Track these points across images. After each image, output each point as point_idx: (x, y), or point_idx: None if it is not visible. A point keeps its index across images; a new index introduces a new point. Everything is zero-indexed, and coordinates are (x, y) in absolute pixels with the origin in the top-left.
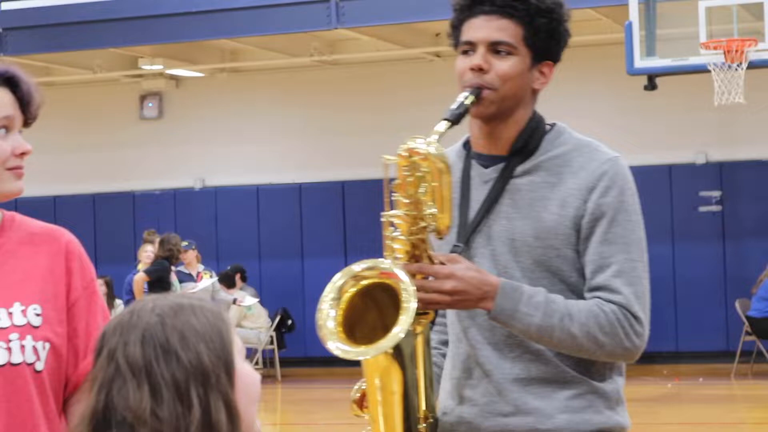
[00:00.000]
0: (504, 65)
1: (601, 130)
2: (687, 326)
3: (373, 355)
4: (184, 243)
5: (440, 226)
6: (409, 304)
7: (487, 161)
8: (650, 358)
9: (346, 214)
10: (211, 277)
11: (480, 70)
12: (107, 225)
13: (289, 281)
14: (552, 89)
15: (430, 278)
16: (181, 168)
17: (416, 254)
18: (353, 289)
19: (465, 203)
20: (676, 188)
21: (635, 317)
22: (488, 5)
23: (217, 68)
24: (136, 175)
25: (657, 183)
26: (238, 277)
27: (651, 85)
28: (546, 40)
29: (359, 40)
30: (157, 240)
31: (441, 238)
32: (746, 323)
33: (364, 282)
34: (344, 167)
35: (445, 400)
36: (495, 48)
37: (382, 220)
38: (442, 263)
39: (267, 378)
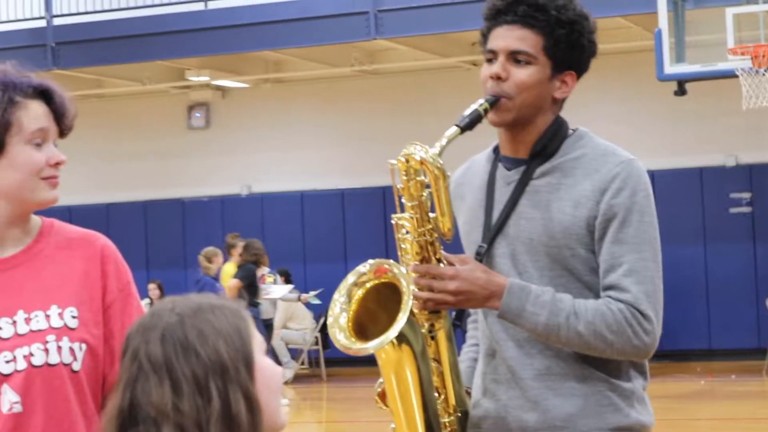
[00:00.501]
0: (522, 74)
1: (633, 136)
2: (719, 324)
3: (374, 349)
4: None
5: (443, 229)
6: (408, 303)
7: (511, 164)
8: (684, 355)
9: (387, 219)
10: (274, 281)
11: (498, 78)
12: (158, 231)
13: (333, 284)
14: (584, 96)
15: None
16: (227, 175)
17: (426, 255)
18: (360, 292)
19: (490, 204)
20: (707, 191)
21: (644, 315)
22: (510, 15)
23: (261, 79)
24: (185, 182)
25: (688, 186)
26: (282, 280)
27: (681, 91)
28: (567, 51)
29: (398, 50)
30: (240, 244)
31: (448, 241)
32: None
33: (369, 284)
34: (385, 173)
35: (475, 394)
36: (515, 57)
37: (392, 222)
38: (452, 264)
39: (312, 377)
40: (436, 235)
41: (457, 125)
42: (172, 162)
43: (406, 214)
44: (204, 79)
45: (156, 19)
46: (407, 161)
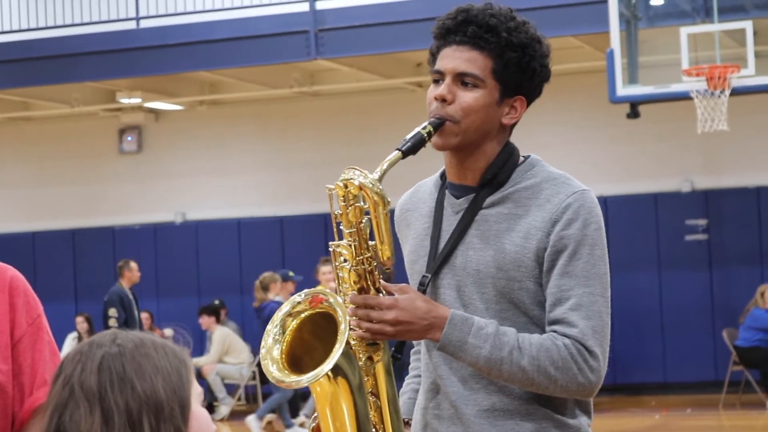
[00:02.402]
0: (468, 97)
1: (585, 159)
2: (675, 356)
3: (308, 382)
4: (291, 273)
5: (382, 258)
6: (344, 334)
7: (459, 191)
8: (638, 389)
9: (328, 247)
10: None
11: (444, 100)
12: (87, 260)
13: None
14: (534, 118)
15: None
16: (161, 202)
17: (364, 284)
18: (295, 322)
19: (436, 233)
20: (661, 217)
21: (590, 352)
22: (459, 36)
23: (196, 101)
24: (116, 210)
25: (643, 212)
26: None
27: (634, 113)
28: (516, 75)
29: (339, 71)
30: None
31: (388, 270)
32: (734, 353)
33: (304, 314)
34: (326, 199)
35: (414, 430)
36: (462, 79)
37: (330, 250)
38: (391, 293)
39: (250, 414)
40: (375, 263)
41: (398, 149)
42: (103, 188)
43: (344, 242)
44: (136, 101)
45: (85, 39)
46: (346, 186)
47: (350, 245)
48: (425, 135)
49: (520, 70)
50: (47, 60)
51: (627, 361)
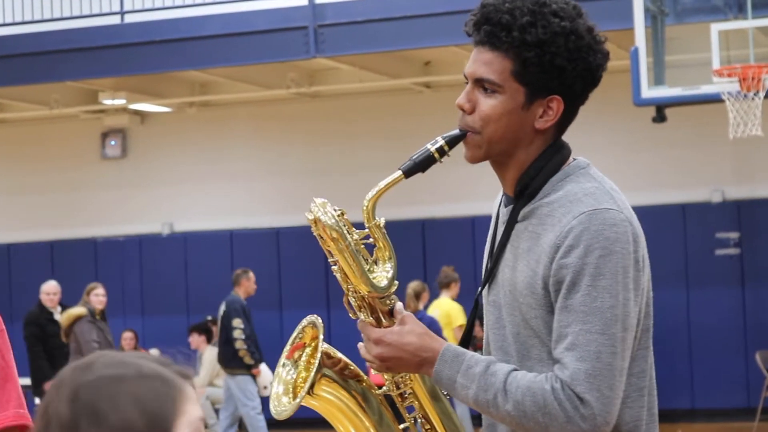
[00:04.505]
0: (486, 105)
1: (606, 167)
2: (703, 381)
3: (290, 412)
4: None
5: (362, 292)
6: (317, 357)
7: (507, 201)
8: (663, 415)
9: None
10: None
11: (464, 109)
12: (67, 274)
13: (266, 334)
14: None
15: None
16: (147, 212)
17: (366, 312)
18: (309, 368)
19: (492, 244)
20: (690, 229)
21: (580, 399)
22: (478, 36)
23: (185, 102)
24: (98, 220)
25: (670, 224)
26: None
27: (660, 117)
28: (539, 75)
29: (340, 70)
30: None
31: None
32: None
33: (304, 358)
34: None
35: None
36: (482, 85)
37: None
38: (393, 321)
39: None
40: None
41: (400, 169)
42: (84, 196)
43: (335, 267)
44: (120, 102)
45: (65, 35)
46: (313, 217)
47: (337, 274)
48: (434, 153)
49: (542, 69)
50: (24, 58)
51: None
